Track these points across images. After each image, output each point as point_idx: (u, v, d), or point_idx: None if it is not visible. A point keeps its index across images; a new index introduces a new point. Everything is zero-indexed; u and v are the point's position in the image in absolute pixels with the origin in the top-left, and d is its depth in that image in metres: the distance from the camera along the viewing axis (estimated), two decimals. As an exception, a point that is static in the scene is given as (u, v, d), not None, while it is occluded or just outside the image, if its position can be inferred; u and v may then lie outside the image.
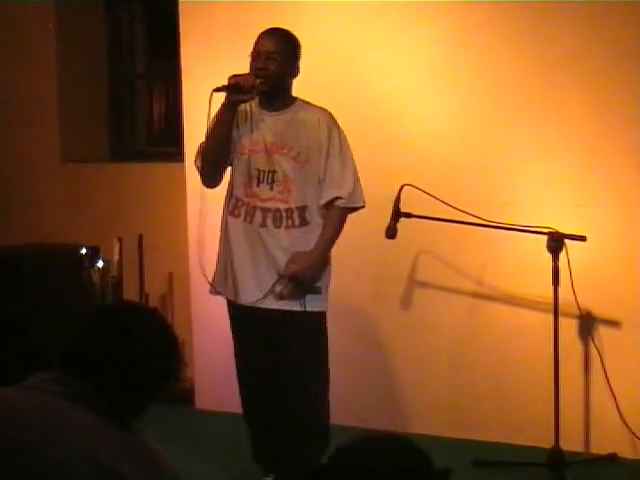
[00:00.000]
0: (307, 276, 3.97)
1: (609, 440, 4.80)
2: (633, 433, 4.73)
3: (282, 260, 3.99)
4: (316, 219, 4.03)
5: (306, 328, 4.03)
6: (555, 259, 4.50)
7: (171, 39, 5.83)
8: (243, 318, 4.12)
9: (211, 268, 5.58)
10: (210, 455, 4.91)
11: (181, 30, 5.58)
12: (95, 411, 2.13)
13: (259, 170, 3.99)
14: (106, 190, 6.19)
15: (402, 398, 5.03)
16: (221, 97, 4.01)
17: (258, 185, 3.99)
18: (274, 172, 3.98)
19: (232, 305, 4.17)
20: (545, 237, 4.51)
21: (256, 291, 4.03)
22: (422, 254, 5.10)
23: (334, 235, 4.04)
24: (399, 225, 4.47)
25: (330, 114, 4.04)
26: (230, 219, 4.08)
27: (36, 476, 2.03)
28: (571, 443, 4.72)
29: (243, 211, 4.02)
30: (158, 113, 6.71)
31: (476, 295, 5.05)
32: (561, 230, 4.50)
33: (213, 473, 4.72)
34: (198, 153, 4.09)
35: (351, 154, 4.04)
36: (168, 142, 6.40)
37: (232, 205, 4.06)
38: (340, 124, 4.06)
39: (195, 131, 5.58)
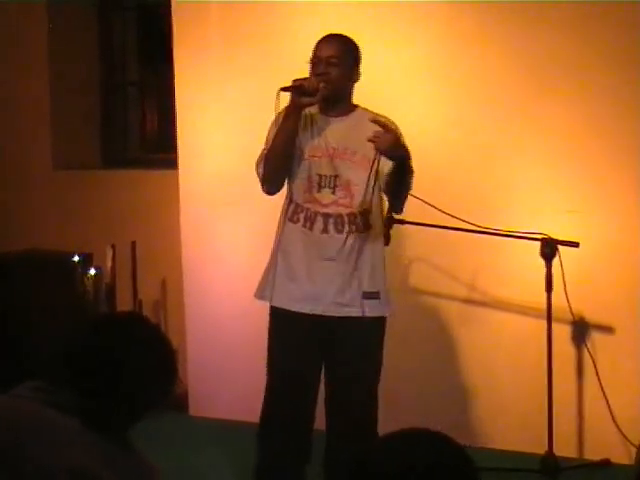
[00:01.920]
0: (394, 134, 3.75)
1: (602, 446, 4.81)
2: (626, 439, 4.74)
3: (345, 266, 3.91)
4: (378, 223, 3.98)
5: (366, 336, 3.94)
6: (548, 265, 4.51)
7: (163, 45, 5.85)
8: (295, 326, 3.96)
9: (202, 276, 5.61)
10: (204, 462, 4.91)
11: (174, 36, 5.59)
12: (80, 421, 2.12)
13: (320, 175, 3.92)
14: (99, 197, 6.19)
15: (392, 404, 5.04)
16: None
17: (319, 190, 3.92)
18: (336, 177, 3.91)
19: (281, 315, 4.01)
20: (538, 243, 4.51)
21: (312, 299, 3.92)
22: (415, 261, 5.12)
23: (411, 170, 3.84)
24: (392, 232, 4.47)
25: (395, 123, 3.93)
26: (289, 225, 3.98)
27: None
28: (564, 449, 4.72)
29: (302, 217, 3.94)
30: (150, 120, 6.72)
31: (469, 301, 5.05)
32: (554, 236, 4.51)
33: (207, 479, 4.72)
34: (260, 160, 4.00)
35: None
36: (161, 149, 6.41)
37: (291, 211, 3.97)
38: None
39: (189, 137, 5.62)
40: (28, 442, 2.06)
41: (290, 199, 4.00)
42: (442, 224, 4.58)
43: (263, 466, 4.10)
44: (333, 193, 3.92)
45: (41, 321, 5.49)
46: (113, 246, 5.71)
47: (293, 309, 3.97)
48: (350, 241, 3.92)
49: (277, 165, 3.95)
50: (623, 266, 4.81)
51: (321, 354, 3.97)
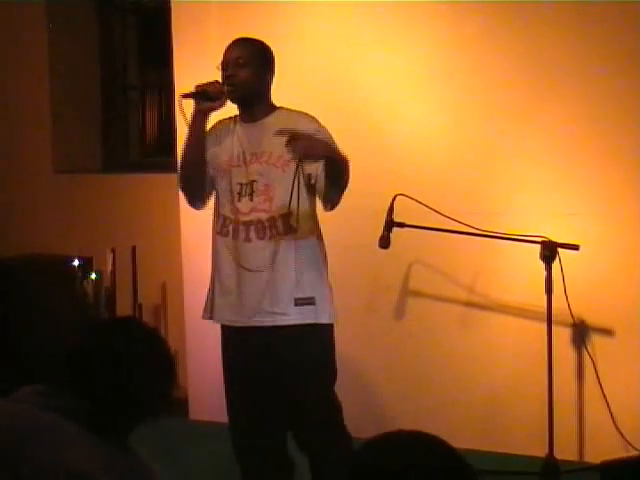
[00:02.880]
0: (303, 136, 3.65)
1: (603, 449, 4.77)
2: (627, 441, 4.73)
3: (267, 275, 3.80)
4: (306, 226, 3.84)
5: (302, 344, 3.83)
6: (548, 268, 4.49)
7: (163, 49, 5.85)
8: (239, 340, 3.90)
9: (202, 280, 5.61)
10: (204, 466, 4.91)
11: (174, 40, 5.60)
12: (80, 424, 2.13)
13: (240, 184, 3.82)
14: (99, 201, 6.20)
15: (394, 407, 5.04)
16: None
17: (240, 200, 3.82)
18: (253, 182, 3.80)
19: (226, 329, 3.96)
20: (538, 246, 4.50)
21: (245, 311, 3.83)
22: (415, 264, 5.11)
23: (341, 156, 3.67)
24: (392, 235, 4.48)
25: (312, 116, 3.85)
26: (219, 238, 3.90)
27: None
28: (565, 452, 4.71)
29: (230, 229, 3.85)
30: (151, 124, 6.72)
31: (469, 304, 5.05)
32: (554, 239, 4.49)
33: None
34: (180, 175, 3.94)
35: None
36: (161, 153, 6.41)
37: (220, 224, 3.89)
38: (330, 132, 3.87)
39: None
40: (27, 444, 2.07)
41: (218, 212, 3.91)
42: (442, 227, 4.58)
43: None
44: (251, 200, 3.81)
45: (41, 325, 5.49)
46: (113, 250, 5.71)
47: (231, 323, 3.89)
48: (274, 246, 3.80)
49: (190, 174, 3.87)
50: (623, 269, 4.81)
51: (269, 365, 3.86)
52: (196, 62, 5.56)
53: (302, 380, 3.86)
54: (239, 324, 3.86)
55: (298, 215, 3.79)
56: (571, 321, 4.77)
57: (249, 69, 3.82)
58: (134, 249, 5.75)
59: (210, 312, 3.98)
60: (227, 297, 3.88)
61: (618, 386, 4.78)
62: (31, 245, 6.11)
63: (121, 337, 2.26)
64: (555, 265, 4.50)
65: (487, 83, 5.02)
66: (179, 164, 3.94)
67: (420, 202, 4.49)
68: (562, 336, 4.78)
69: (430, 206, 4.51)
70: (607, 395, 4.75)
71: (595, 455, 4.81)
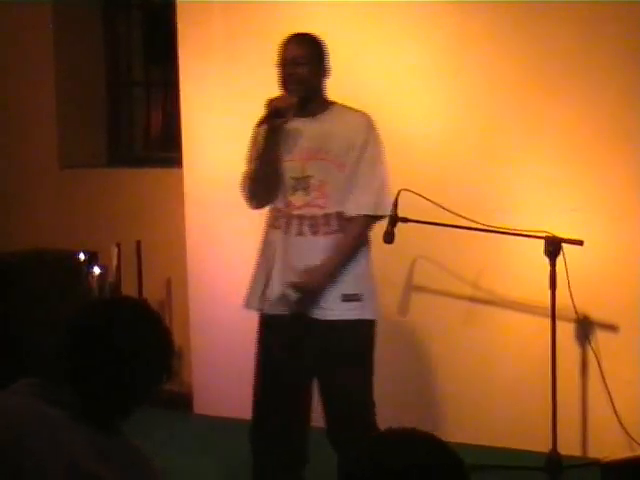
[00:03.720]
0: (310, 288, 3.83)
1: (606, 444, 4.78)
2: (631, 437, 4.74)
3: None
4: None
5: (347, 338, 3.91)
6: (552, 263, 4.51)
7: (169, 45, 5.85)
8: (279, 330, 3.93)
9: (206, 275, 5.61)
10: (208, 460, 4.91)
11: (179, 35, 5.60)
12: (77, 415, 2.12)
13: (294, 178, 3.89)
14: (104, 196, 6.19)
15: (398, 402, 5.04)
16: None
17: (293, 194, 3.88)
18: (309, 177, 3.88)
19: (268, 318, 3.98)
20: (542, 241, 4.51)
21: (291, 303, 3.89)
22: (420, 259, 5.12)
23: (351, 246, 3.89)
24: (396, 230, 4.48)
25: (370, 118, 3.95)
26: (270, 231, 3.97)
27: (13, 478, 2.03)
28: (568, 447, 4.72)
29: (283, 222, 3.91)
30: (156, 119, 6.72)
31: (473, 299, 5.05)
32: (558, 234, 4.51)
33: (211, 478, 4.72)
34: (244, 182, 4.00)
35: (384, 161, 3.95)
36: (166, 148, 6.41)
37: (273, 217, 3.96)
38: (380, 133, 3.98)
39: (193, 136, 5.63)
40: (27, 439, 2.07)
41: (272, 206, 3.98)
42: (446, 222, 4.58)
43: (259, 472, 4.07)
44: (306, 195, 3.88)
45: (45, 319, 5.50)
46: (118, 245, 5.71)
47: (274, 312, 3.94)
48: (326, 243, 3.87)
49: (266, 185, 3.94)
50: (627, 264, 4.81)
51: (306, 354, 3.92)
52: (201, 58, 5.58)
53: (341, 374, 3.91)
54: (287, 313, 3.90)
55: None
56: (575, 316, 4.77)
57: (308, 67, 3.89)
58: (139, 244, 5.76)
59: (252, 301, 4.02)
60: (274, 288, 3.92)
61: (622, 381, 4.78)
62: (36, 240, 6.11)
63: (113, 317, 2.21)
64: (559, 260, 4.51)
65: (492, 81, 5.02)
66: (250, 174, 3.97)
67: (424, 197, 4.50)
68: (566, 331, 4.79)
69: (434, 201, 4.52)
70: (610, 391, 4.76)
71: (598, 451, 4.81)
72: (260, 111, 5.46)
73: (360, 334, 3.95)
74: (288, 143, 3.92)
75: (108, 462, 2.11)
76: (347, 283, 3.89)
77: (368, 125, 3.93)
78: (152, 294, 5.75)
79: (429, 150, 5.06)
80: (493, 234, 4.62)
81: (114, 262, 5.72)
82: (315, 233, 3.88)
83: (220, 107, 5.55)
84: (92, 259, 5.77)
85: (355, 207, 3.89)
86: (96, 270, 5.75)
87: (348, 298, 3.89)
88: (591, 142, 4.87)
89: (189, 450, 5.02)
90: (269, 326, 3.98)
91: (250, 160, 3.99)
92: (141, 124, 6.70)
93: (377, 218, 3.99)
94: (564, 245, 4.51)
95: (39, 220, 6.32)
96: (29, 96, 6.42)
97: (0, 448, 2.06)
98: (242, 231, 5.49)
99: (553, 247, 4.50)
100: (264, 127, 3.88)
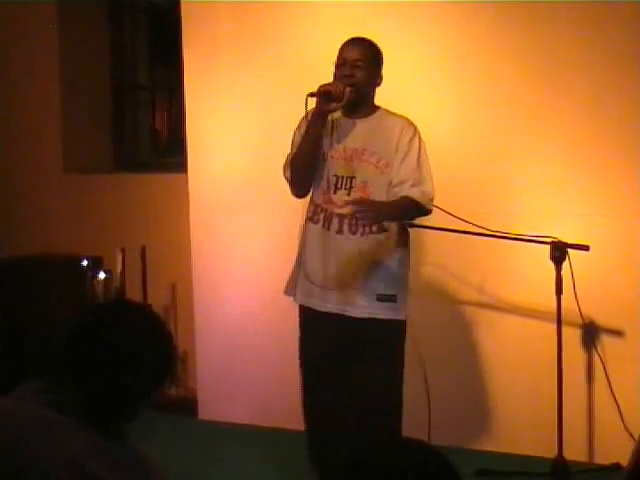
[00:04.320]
0: (367, 211, 3.89)
1: (613, 450, 4.78)
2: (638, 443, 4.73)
3: (359, 267, 4.00)
4: (395, 226, 4.05)
5: (380, 337, 4.04)
6: (558, 269, 4.49)
7: (174, 50, 5.86)
8: (315, 323, 4.11)
9: (211, 281, 5.62)
10: (213, 466, 4.90)
11: (183, 38, 5.61)
12: (79, 418, 2.12)
13: (337, 176, 4.02)
14: (109, 201, 6.21)
15: (404, 408, 5.04)
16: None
17: (335, 192, 4.01)
18: (352, 178, 4.00)
19: (307, 310, 4.15)
20: (548, 247, 4.49)
21: (326, 298, 4.05)
22: (425, 264, 5.11)
23: (405, 209, 4.00)
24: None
25: (413, 124, 4.09)
26: (310, 225, 4.10)
27: None
28: (575, 453, 4.71)
29: (322, 217, 4.04)
30: (161, 124, 6.73)
31: (479, 305, 5.05)
32: (564, 240, 4.49)
33: None
34: (286, 164, 4.10)
35: (428, 162, 4.07)
36: (171, 153, 6.42)
37: (312, 211, 4.09)
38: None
39: (198, 140, 5.63)
40: (28, 444, 2.07)
41: (311, 199, 4.11)
42: (452, 228, 4.57)
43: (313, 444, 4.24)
44: (349, 194, 3.99)
45: (49, 324, 5.50)
46: (123, 250, 5.71)
47: (312, 306, 4.09)
48: (365, 243, 3.99)
49: (304, 169, 4.05)
50: (634, 270, 4.81)
51: (342, 349, 4.07)
52: (206, 62, 5.58)
53: (371, 371, 4.05)
54: (323, 309, 4.06)
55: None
56: (581, 322, 4.77)
57: (366, 71, 4.02)
58: (144, 249, 5.76)
59: (291, 290, 4.20)
60: (312, 283, 4.08)
61: (628, 387, 4.78)
62: (41, 245, 6.12)
63: (115, 321, 2.20)
64: (565, 266, 4.49)
65: (499, 83, 5.02)
66: (292, 157, 4.08)
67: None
68: (572, 337, 4.78)
69: (439, 206, 4.50)
70: (617, 396, 4.76)
71: (605, 456, 4.83)
72: (267, 116, 5.48)
73: (391, 333, 4.08)
74: (334, 141, 4.05)
75: (110, 466, 2.10)
76: (383, 283, 4.03)
77: (413, 129, 4.06)
78: (157, 299, 5.75)
79: (434, 155, 5.01)
80: (499, 239, 4.60)
81: (119, 267, 5.72)
82: (354, 232, 4.01)
83: (226, 111, 5.56)
84: (97, 264, 5.78)
85: (409, 190, 3.98)
86: (101, 275, 5.75)
87: (383, 298, 4.02)
88: (598, 147, 4.86)
89: (193, 456, 5.02)
90: (309, 319, 4.14)
91: (294, 144, 4.09)
92: (146, 129, 6.71)
93: (422, 211, 4.06)
94: (570, 250, 4.49)
95: (44, 225, 6.33)
96: (34, 100, 6.43)
97: (1, 453, 2.06)
98: (248, 236, 5.50)
99: (559, 252, 4.48)
100: (309, 110, 3.98)
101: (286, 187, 5.44)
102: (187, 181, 5.63)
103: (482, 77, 5.04)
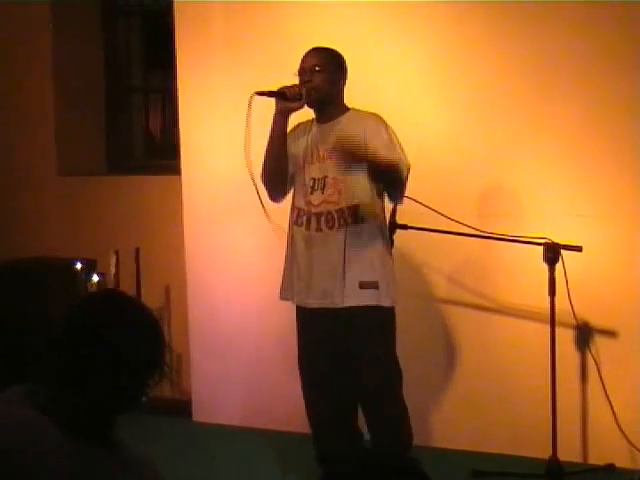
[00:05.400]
0: (346, 146, 4.07)
1: (607, 450, 4.81)
2: (631, 443, 4.75)
3: (338, 259, 4.12)
4: (371, 216, 4.16)
5: (366, 325, 4.16)
6: (551, 269, 4.50)
7: (167, 52, 5.85)
8: (309, 321, 4.23)
9: (205, 282, 5.62)
10: (207, 467, 4.91)
11: (177, 41, 5.63)
12: (67, 422, 2.09)
13: (313, 179, 4.18)
14: (103, 203, 6.21)
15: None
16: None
17: (312, 193, 4.18)
18: (325, 177, 4.17)
19: (299, 310, 4.29)
20: (541, 248, 4.50)
21: (316, 294, 4.17)
22: (419, 266, 5.11)
23: (382, 160, 4.06)
24: (396, 237, 4.47)
25: (378, 115, 4.21)
26: (295, 228, 4.25)
27: None
28: (569, 454, 4.72)
29: (304, 219, 4.20)
30: (155, 126, 6.72)
31: (473, 306, 5.06)
32: (557, 241, 4.50)
33: None
34: (262, 170, 4.22)
35: (400, 142, 4.16)
36: (165, 155, 6.41)
37: (295, 215, 4.24)
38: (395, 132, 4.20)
39: (191, 143, 5.63)
40: (13, 449, 2.03)
41: (293, 204, 4.26)
42: (446, 229, 4.58)
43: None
44: (322, 193, 4.16)
45: (44, 327, 5.49)
46: (117, 252, 5.71)
47: (306, 305, 4.21)
48: (342, 235, 4.12)
49: (273, 170, 4.21)
50: (627, 271, 4.81)
51: (337, 341, 4.19)
52: (199, 64, 5.59)
53: (363, 357, 4.18)
54: (310, 306, 4.20)
55: (367, 206, 4.17)
56: (574, 323, 4.77)
57: (324, 75, 4.17)
58: (138, 251, 5.76)
59: (287, 293, 4.32)
60: (301, 281, 4.23)
61: (621, 387, 4.79)
62: (35, 248, 6.12)
63: (111, 319, 2.14)
64: (558, 267, 4.50)
65: (491, 86, 5.03)
66: (263, 161, 4.23)
67: (423, 204, 4.48)
68: (565, 338, 4.79)
69: (433, 208, 4.50)
70: (610, 396, 4.76)
71: (599, 457, 4.84)
72: (260, 118, 5.47)
73: (377, 320, 4.18)
74: (308, 147, 4.21)
75: (100, 467, 2.09)
76: (363, 270, 4.14)
77: (378, 118, 4.20)
78: (151, 301, 5.67)
79: (427, 157, 5.04)
80: (492, 240, 4.62)
81: (112, 269, 5.72)
82: (331, 227, 4.17)
83: (219, 113, 5.56)
84: (90, 267, 5.77)
85: (385, 152, 4.09)
86: (95, 278, 5.74)
87: (365, 285, 4.13)
88: (591, 148, 4.87)
89: (188, 457, 5.02)
90: (303, 318, 4.26)
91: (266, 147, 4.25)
92: (140, 131, 6.70)
93: (401, 177, 4.13)
94: (563, 251, 4.49)
95: (38, 228, 6.33)
96: (28, 102, 6.43)
97: None
98: (241, 238, 5.51)
99: (552, 253, 4.49)
100: (274, 113, 4.15)
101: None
102: (181, 183, 5.63)
103: (476, 79, 5.05)
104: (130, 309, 2.19)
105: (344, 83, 4.26)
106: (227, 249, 5.56)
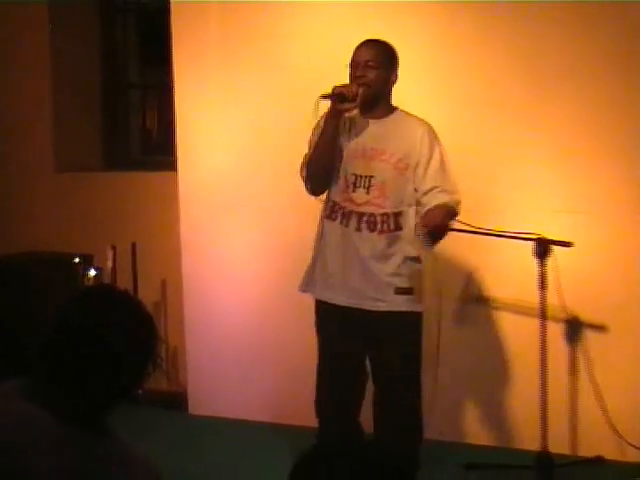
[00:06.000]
0: (439, 221, 3.97)
1: (596, 442, 4.83)
2: (620, 435, 4.76)
3: (372, 264, 4.08)
4: (410, 224, 4.10)
5: (401, 328, 4.12)
6: (542, 264, 4.50)
7: (164, 49, 5.87)
8: (333, 317, 4.17)
9: (201, 277, 5.63)
10: (203, 459, 4.92)
11: (173, 39, 5.61)
12: (63, 416, 2.07)
13: (356, 175, 4.07)
14: (100, 199, 6.20)
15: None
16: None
17: (354, 190, 4.07)
18: (371, 177, 4.06)
19: (324, 306, 4.21)
20: (532, 243, 4.50)
21: (346, 293, 4.11)
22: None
23: (449, 212, 4.03)
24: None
25: (431, 127, 4.13)
26: (327, 222, 4.15)
27: None
28: (559, 446, 4.73)
29: (339, 215, 4.10)
30: (151, 122, 6.74)
31: (464, 300, 5.08)
32: (548, 236, 4.49)
33: (207, 477, 4.72)
34: (303, 164, 4.15)
35: (450, 166, 4.12)
36: (161, 151, 6.43)
37: (329, 209, 4.14)
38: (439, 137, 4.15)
39: (188, 140, 5.63)
40: (11, 443, 2.03)
41: (328, 197, 4.15)
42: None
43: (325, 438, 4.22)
44: (367, 193, 4.07)
45: (42, 322, 5.50)
46: (114, 247, 5.73)
47: (330, 301, 4.15)
48: (382, 240, 4.06)
49: (320, 169, 4.11)
50: (616, 266, 4.83)
51: (360, 343, 4.14)
52: (196, 61, 5.60)
53: (394, 359, 4.11)
54: (342, 303, 4.12)
55: (408, 215, 4.10)
56: (564, 316, 4.79)
57: (378, 71, 4.07)
58: (134, 246, 5.77)
59: (308, 286, 4.24)
60: (330, 278, 4.14)
61: (611, 380, 4.81)
62: (33, 243, 6.12)
63: (89, 312, 2.13)
64: (550, 261, 4.49)
65: (482, 81, 5.04)
66: (309, 156, 4.13)
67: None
68: (555, 331, 4.79)
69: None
70: (600, 389, 4.78)
71: (588, 449, 4.86)
72: (256, 115, 5.50)
73: (410, 324, 4.14)
74: (352, 140, 4.11)
75: (96, 462, 2.07)
76: (400, 277, 4.09)
77: (432, 133, 4.11)
78: (147, 295, 5.76)
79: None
80: (484, 236, 4.61)
81: (109, 264, 5.73)
82: (372, 230, 4.08)
83: (215, 110, 5.56)
84: (87, 261, 5.79)
85: (445, 197, 4.06)
86: (92, 272, 5.76)
87: (400, 291, 4.09)
88: (581, 144, 4.89)
89: (184, 450, 5.04)
90: (327, 314, 4.19)
91: (310, 145, 4.14)
92: (137, 127, 6.71)
93: (455, 215, 4.13)
94: (554, 247, 4.48)
95: (36, 223, 6.33)
96: (25, 99, 6.43)
97: None
98: (236, 233, 5.51)
99: (542, 248, 4.48)
100: (323, 111, 4.05)
101: (274, 186, 5.48)
102: (177, 179, 5.63)
103: (468, 76, 5.06)
104: (124, 305, 2.18)
105: (396, 79, 4.15)
106: (222, 244, 5.56)
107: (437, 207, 4.01)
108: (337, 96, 3.97)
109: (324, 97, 4.00)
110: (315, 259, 4.22)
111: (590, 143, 4.87)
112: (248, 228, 5.47)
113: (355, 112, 4.10)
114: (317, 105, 4.01)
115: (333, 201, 4.12)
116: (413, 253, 4.13)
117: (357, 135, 4.11)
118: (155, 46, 6.45)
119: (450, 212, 4.05)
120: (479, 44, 5.03)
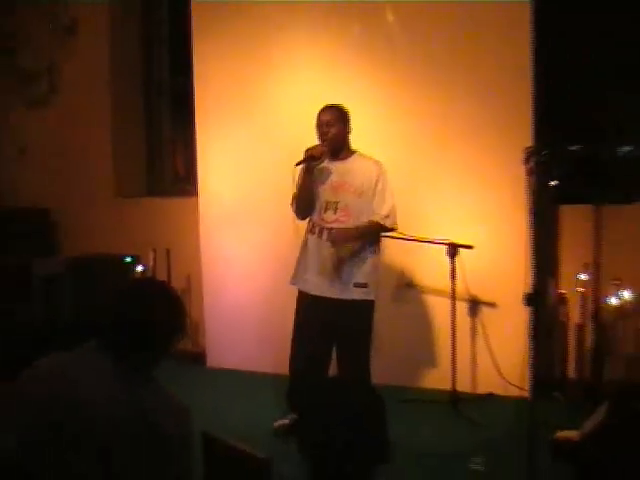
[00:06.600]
0: (339, 238, 3.95)
1: (488, 384, 4.81)
2: (505, 379, 4.75)
3: (340, 264, 4.01)
4: (369, 237, 4.05)
5: (356, 312, 4.05)
6: (452, 261, 4.56)
7: (189, 115, 5.66)
8: (310, 305, 4.07)
9: (215, 272, 5.62)
10: (220, 407, 4.66)
11: (195, 112, 5.41)
12: (123, 366, 2.05)
13: (327, 201, 4.03)
14: (144, 216, 6.13)
15: (384, 352, 4.86)
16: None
17: (325, 212, 4.02)
18: (337, 202, 4.01)
19: (303, 295, 4.11)
20: (445, 246, 4.55)
21: (321, 285, 4.03)
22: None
23: (369, 229, 3.99)
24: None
25: (381, 164, 4.06)
26: (309, 235, 4.10)
27: (89, 429, 1.94)
28: (463, 386, 4.73)
29: (317, 230, 4.04)
30: (179, 161, 6.70)
31: (398, 287, 5.02)
32: (456, 241, 4.53)
33: (226, 421, 4.40)
34: (292, 200, 4.11)
35: (391, 192, 4.04)
36: (186, 182, 6.38)
37: (310, 226, 4.09)
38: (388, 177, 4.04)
39: (207, 174, 5.47)
40: (82, 389, 1.99)
41: (310, 219, 4.13)
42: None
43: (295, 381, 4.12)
44: (335, 213, 4.02)
45: (103, 304, 5.43)
46: (154, 251, 5.70)
47: (309, 292, 4.09)
48: (345, 248, 4.01)
49: (303, 205, 4.09)
50: (505, 261, 4.72)
51: (327, 321, 4.04)
52: (215, 116, 5.36)
53: (351, 337, 4.05)
54: (316, 293, 4.05)
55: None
56: (468, 298, 4.80)
57: (336, 127, 4.00)
58: (168, 251, 5.76)
59: (294, 280, 4.14)
60: (310, 275, 4.06)
61: (500, 341, 4.78)
62: (97, 247, 6.06)
63: (139, 296, 2.11)
64: (458, 259, 4.55)
65: (413, 126, 4.79)
66: (295, 198, 4.08)
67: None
68: (462, 308, 4.79)
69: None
70: (492, 347, 4.77)
71: (483, 388, 4.82)
72: (259, 154, 5.29)
73: (364, 309, 4.07)
74: (324, 177, 4.06)
75: (146, 394, 2.04)
76: (358, 275, 4.02)
77: (379, 168, 4.05)
78: (178, 285, 5.67)
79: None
80: (410, 241, 4.58)
81: (151, 263, 5.70)
82: None
83: (227, 153, 5.42)
84: (136, 260, 5.78)
85: (376, 217, 4.01)
86: (139, 268, 5.76)
87: (358, 285, 4.03)
88: (484, 165, 4.68)
89: (203, 398, 4.72)
90: (304, 300, 4.09)
91: (296, 186, 4.08)
92: (169, 166, 6.65)
93: (387, 229, 4.07)
94: (460, 249, 4.53)
95: (99, 233, 6.24)
96: (91, 143, 6.23)
97: (57, 397, 1.95)
98: (240, 242, 5.45)
99: (452, 250, 4.55)
100: (302, 167, 4.00)
101: (271, 207, 5.35)
102: (198, 203, 5.55)
103: (402, 122, 4.78)
104: (163, 292, 2.15)
105: (350, 130, 4.06)
106: (231, 249, 5.44)
107: (359, 227, 3.99)
108: (309, 158, 3.95)
109: (298, 163, 3.96)
110: (299, 261, 4.15)
111: (491, 163, 4.65)
112: (250, 239, 5.39)
113: (325, 161, 4.07)
114: (295, 171, 3.99)
115: (313, 221, 4.09)
116: (368, 258, 4.05)
117: (327, 172, 4.05)
118: (183, 114, 6.35)
119: (363, 227, 3.98)
120: (410, 101, 4.82)
